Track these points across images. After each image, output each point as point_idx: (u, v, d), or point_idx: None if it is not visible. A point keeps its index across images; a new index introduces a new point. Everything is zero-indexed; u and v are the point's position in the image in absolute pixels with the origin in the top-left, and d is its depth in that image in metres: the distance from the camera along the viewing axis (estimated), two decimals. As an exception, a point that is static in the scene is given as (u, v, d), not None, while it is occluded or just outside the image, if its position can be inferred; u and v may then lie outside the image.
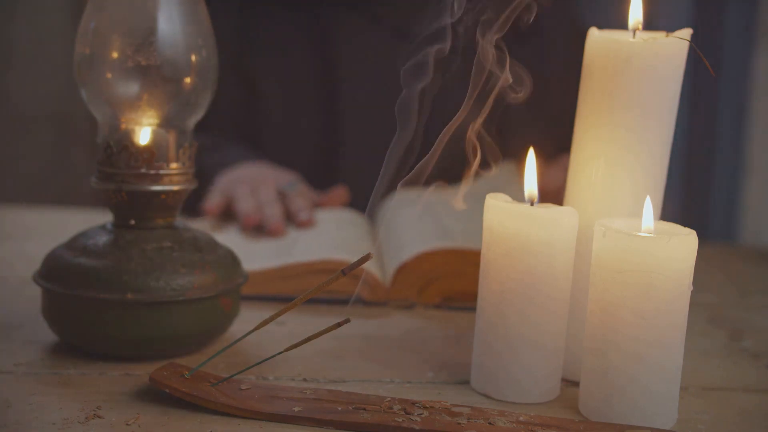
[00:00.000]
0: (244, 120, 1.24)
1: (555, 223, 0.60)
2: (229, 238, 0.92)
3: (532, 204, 0.62)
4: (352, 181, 1.09)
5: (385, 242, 0.92)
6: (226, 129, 1.22)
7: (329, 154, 1.21)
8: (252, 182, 1.03)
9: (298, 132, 1.24)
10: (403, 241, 0.87)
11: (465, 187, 0.64)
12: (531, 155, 0.64)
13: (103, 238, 0.66)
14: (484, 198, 0.63)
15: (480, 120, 0.62)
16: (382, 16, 1.22)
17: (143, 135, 0.66)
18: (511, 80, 0.62)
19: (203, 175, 1.09)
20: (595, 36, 0.63)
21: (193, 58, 0.66)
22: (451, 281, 0.83)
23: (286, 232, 0.94)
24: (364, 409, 0.57)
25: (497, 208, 0.61)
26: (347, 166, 1.19)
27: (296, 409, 0.56)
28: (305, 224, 0.95)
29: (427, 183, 0.63)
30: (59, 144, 2.09)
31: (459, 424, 0.55)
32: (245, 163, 1.11)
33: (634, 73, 0.61)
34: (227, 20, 1.22)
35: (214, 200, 1.00)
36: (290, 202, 0.98)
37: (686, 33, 0.62)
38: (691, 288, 0.58)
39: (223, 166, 1.10)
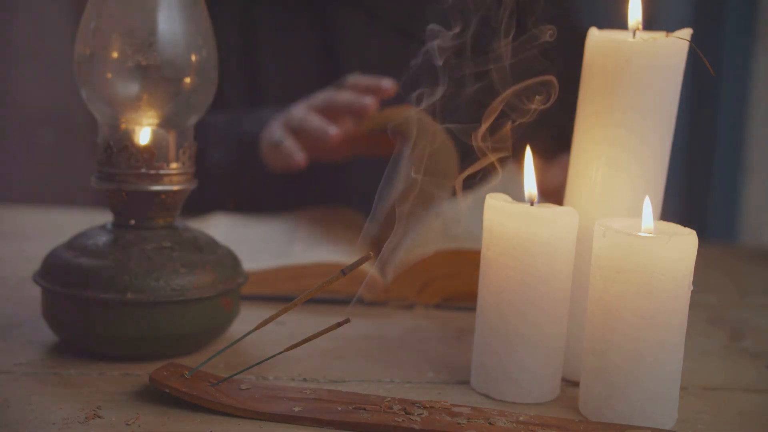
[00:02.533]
0: (246, 97, 1.24)
1: (555, 223, 0.60)
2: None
3: (531, 204, 0.62)
4: (353, 172, 1.09)
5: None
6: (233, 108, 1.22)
7: None
8: (301, 108, 0.99)
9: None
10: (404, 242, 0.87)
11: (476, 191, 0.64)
12: (529, 155, 0.64)
13: (103, 238, 0.66)
14: (483, 198, 0.63)
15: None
16: (381, 13, 1.23)
17: (143, 135, 0.66)
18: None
19: (242, 139, 1.05)
20: (595, 36, 0.63)
21: (193, 58, 0.66)
22: (451, 281, 0.83)
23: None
24: (364, 409, 0.57)
25: (497, 208, 0.61)
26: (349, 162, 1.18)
27: (296, 409, 0.56)
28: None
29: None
30: (59, 144, 2.09)
31: (459, 424, 0.55)
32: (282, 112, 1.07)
33: (634, 73, 0.61)
34: (231, 12, 1.22)
35: (292, 147, 0.96)
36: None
37: (686, 33, 0.62)
38: (691, 288, 0.58)
39: (261, 124, 1.06)
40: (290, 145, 0.97)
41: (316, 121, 0.95)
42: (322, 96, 0.99)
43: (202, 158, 1.10)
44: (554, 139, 0.92)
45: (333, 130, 0.93)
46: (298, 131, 0.98)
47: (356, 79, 0.99)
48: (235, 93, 1.22)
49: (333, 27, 1.23)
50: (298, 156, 0.95)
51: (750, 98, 1.82)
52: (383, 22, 1.23)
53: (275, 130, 1.02)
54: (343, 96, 0.95)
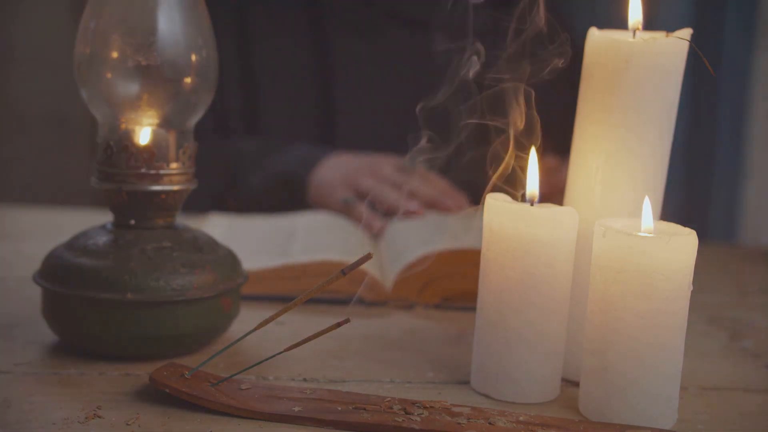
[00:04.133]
0: (244, 107, 1.26)
1: (555, 223, 0.60)
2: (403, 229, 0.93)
3: (532, 204, 0.62)
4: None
5: (383, 245, 0.92)
6: (230, 119, 1.23)
7: (325, 138, 1.23)
8: (369, 173, 1.03)
9: (295, 117, 1.26)
10: (406, 245, 0.87)
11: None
12: (533, 155, 0.63)
13: (103, 238, 0.66)
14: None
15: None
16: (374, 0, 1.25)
17: (143, 135, 0.66)
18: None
19: (288, 179, 1.10)
20: (595, 36, 0.63)
21: (193, 58, 0.66)
22: (451, 281, 0.83)
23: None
24: (364, 409, 0.57)
25: (497, 208, 0.61)
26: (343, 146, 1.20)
27: (296, 409, 0.56)
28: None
29: None
30: (59, 144, 2.09)
31: (459, 424, 0.55)
32: (328, 157, 1.10)
33: (634, 73, 0.61)
34: (224, 8, 1.24)
35: (363, 214, 1.00)
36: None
37: (686, 33, 0.62)
38: (691, 288, 0.58)
39: (308, 165, 1.10)
40: (366, 212, 1.01)
41: (412, 206, 0.99)
42: (400, 180, 1.02)
43: (233, 182, 1.13)
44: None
45: (419, 209, 0.98)
46: (374, 202, 1.02)
47: (428, 176, 1.03)
48: (230, 89, 1.24)
49: (326, 15, 1.25)
50: (378, 226, 0.99)
51: (750, 98, 1.82)
52: (376, 11, 1.24)
53: (337, 186, 1.05)
54: (425, 191, 1.00)
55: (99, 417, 0.55)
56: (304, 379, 0.64)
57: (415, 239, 0.88)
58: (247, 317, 0.72)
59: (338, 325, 0.57)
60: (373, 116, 1.23)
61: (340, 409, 0.57)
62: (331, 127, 1.25)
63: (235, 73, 1.24)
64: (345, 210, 1.02)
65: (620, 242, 0.57)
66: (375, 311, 0.81)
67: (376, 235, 0.96)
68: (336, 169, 1.08)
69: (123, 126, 0.66)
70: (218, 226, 0.96)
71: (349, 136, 1.23)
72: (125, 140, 0.65)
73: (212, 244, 0.69)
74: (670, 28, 0.63)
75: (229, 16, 1.25)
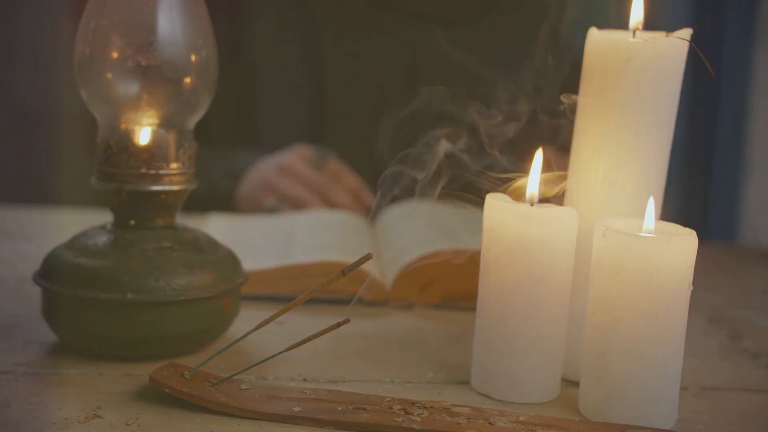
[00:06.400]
0: (239, 103, 1.28)
1: (555, 223, 0.60)
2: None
3: (531, 204, 0.62)
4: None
5: (383, 245, 0.92)
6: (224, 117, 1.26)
7: (318, 133, 1.24)
8: (284, 173, 1.11)
9: (285, 113, 1.28)
10: (405, 244, 0.87)
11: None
12: (538, 156, 0.63)
13: (103, 238, 0.66)
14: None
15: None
16: None
17: (143, 135, 0.66)
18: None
19: (215, 194, 1.16)
20: (595, 36, 0.63)
21: (193, 58, 0.66)
22: (451, 281, 0.83)
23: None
24: (364, 409, 0.57)
25: (497, 208, 0.61)
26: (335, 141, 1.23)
27: (296, 409, 0.56)
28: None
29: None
30: (59, 144, 2.09)
31: (459, 424, 0.55)
32: (250, 168, 1.16)
33: (634, 73, 0.61)
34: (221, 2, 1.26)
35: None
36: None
37: (686, 33, 0.62)
38: (691, 288, 0.58)
39: (234, 179, 1.16)
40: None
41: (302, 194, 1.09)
42: (316, 179, 1.09)
43: None
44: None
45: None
46: (294, 203, 1.10)
47: (340, 170, 1.11)
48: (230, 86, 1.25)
49: (314, 7, 1.26)
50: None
51: (750, 98, 1.82)
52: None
53: (262, 194, 1.12)
54: (340, 198, 1.09)
55: (99, 417, 0.55)
56: (304, 379, 0.64)
57: (415, 239, 0.88)
58: (247, 317, 0.72)
59: (338, 325, 0.57)
60: (364, 107, 1.24)
61: (340, 409, 0.57)
62: (322, 121, 1.26)
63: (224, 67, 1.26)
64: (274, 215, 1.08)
65: (620, 242, 0.57)
66: (375, 311, 0.81)
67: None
68: (256, 178, 1.14)
69: (123, 126, 0.66)
70: (218, 226, 0.96)
71: (340, 129, 1.24)
72: (125, 140, 0.65)
73: (212, 244, 0.69)
74: (670, 28, 0.63)
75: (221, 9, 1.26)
